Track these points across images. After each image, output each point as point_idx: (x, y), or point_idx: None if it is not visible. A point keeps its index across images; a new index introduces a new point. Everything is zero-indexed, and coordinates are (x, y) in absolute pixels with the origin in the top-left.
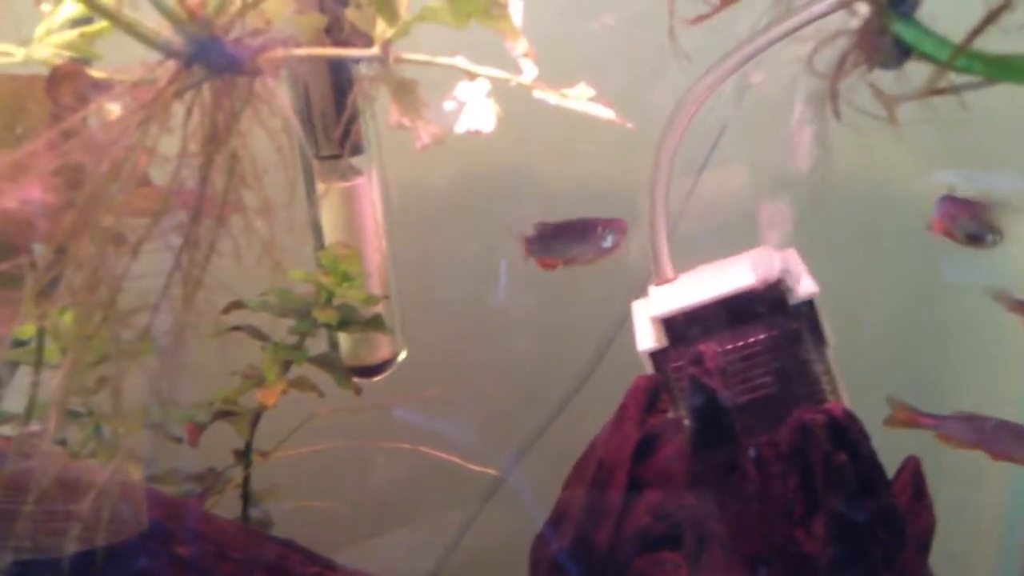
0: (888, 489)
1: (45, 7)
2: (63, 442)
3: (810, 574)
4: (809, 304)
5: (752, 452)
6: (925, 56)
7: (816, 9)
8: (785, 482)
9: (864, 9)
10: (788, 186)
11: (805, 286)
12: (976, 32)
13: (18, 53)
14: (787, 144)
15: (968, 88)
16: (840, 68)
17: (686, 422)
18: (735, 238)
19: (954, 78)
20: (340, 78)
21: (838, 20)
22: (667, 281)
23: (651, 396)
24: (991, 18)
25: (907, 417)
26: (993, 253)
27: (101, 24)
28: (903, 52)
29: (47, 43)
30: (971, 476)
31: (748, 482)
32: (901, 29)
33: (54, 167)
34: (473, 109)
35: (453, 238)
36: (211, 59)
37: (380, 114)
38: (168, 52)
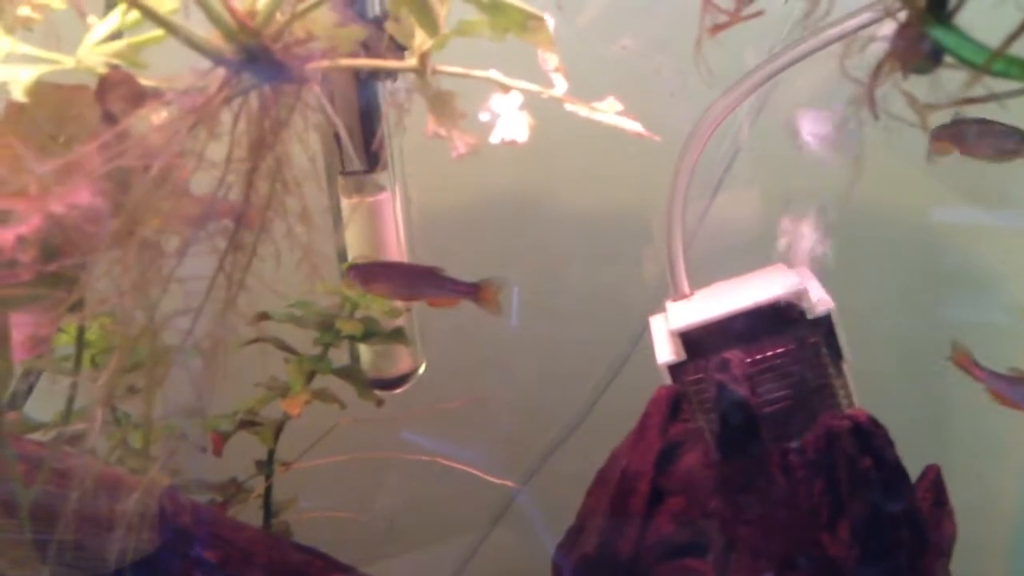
0: (912, 494)
1: (91, 19)
2: (92, 450)
3: None
4: (826, 318)
5: (780, 456)
6: (963, 61)
7: (828, 34)
8: (811, 486)
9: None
10: (800, 208)
11: (822, 301)
12: (1014, 36)
13: (68, 61)
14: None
15: (1003, 97)
16: (877, 72)
17: (707, 433)
18: (748, 257)
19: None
20: (367, 94)
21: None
22: (684, 297)
23: (673, 405)
24: None
25: (964, 363)
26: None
27: (149, 34)
28: (936, 57)
29: (95, 52)
30: (989, 471)
31: (775, 486)
32: (940, 34)
33: (103, 172)
34: (507, 120)
35: (469, 257)
36: (260, 67)
37: (405, 131)
38: (219, 60)
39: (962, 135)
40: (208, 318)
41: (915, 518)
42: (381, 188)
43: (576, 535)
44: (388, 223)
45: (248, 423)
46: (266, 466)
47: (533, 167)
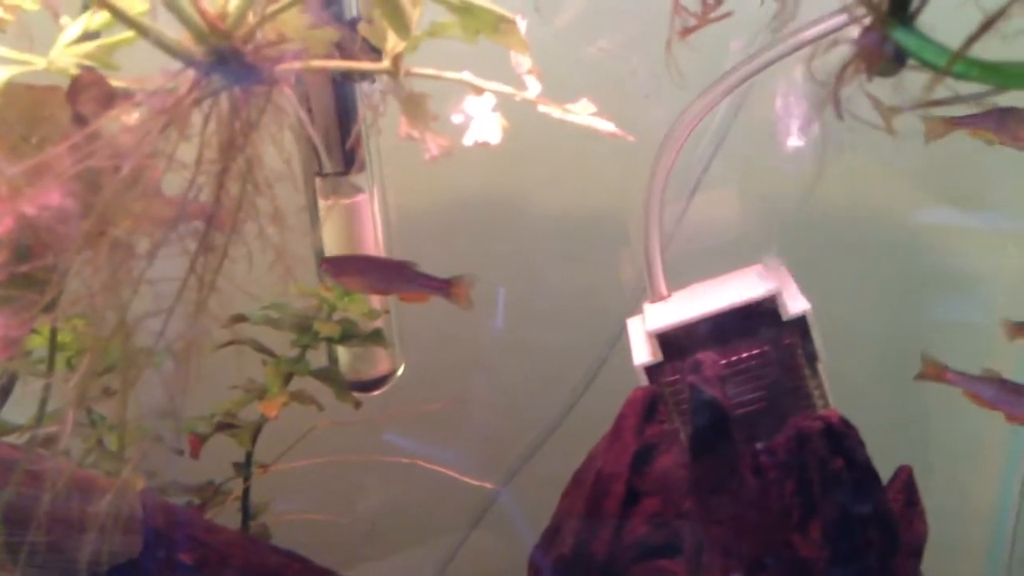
0: (883, 495)
1: (64, 20)
2: (66, 452)
3: None
4: (802, 320)
5: (751, 457)
6: (924, 63)
7: (803, 36)
8: (782, 487)
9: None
10: (777, 210)
11: (798, 302)
12: (974, 38)
13: (39, 62)
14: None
15: (968, 99)
16: (841, 75)
17: (683, 434)
18: (726, 259)
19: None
20: (344, 96)
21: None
22: (661, 298)
23: (649, 407)
24: (988, 25)
25: (935, 372)
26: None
27: (120, 35)
28: (900, 60)
29: (67, 53)
30: (964, 472)
31: (746, 487)
32: (902, 37)
33: (74, 173)
34: (480, 122)
35: (447, 259)
36: (230, 69)
37: (381, 132)
38: (189, 62)
39: (1003, 122)
40: (181, 320)
41: (886, 519)
42: (358, 190)
43: (552, 536)
44: (366, 225)
45: (225, 425)
46: (244, 468)
47: (513, 169)
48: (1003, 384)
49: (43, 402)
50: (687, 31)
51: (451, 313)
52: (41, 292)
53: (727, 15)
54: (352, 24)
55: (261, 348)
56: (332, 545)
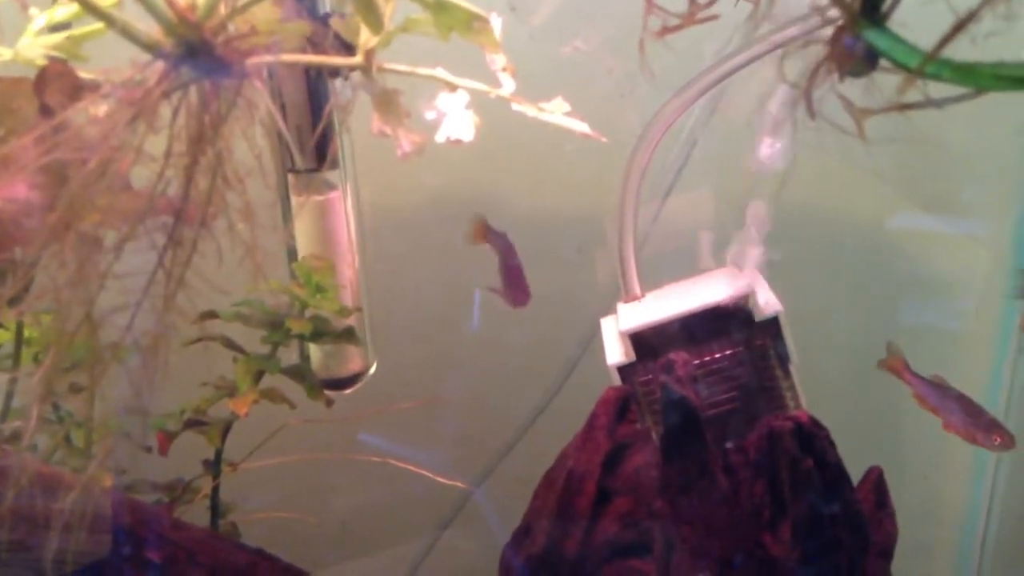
0: (853, 495)
1: (33, 11)
2: (33, 448)
3: None
4: (774, 321)
5: (722, 456)
6: (896, 64)
7: (777, 36)
8: (753, 487)
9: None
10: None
11: (770, 304)
12: (946, 40)
13: (6, 53)
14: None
15: (942, 103)
16: (814, 75)
17: (655, 434)
18: (699, 260)
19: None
20: (317, 92)
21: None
22: (635, 298)
23: (621, 406)
24: (960, 26)
25: (896, 366)
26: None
27: (89, 27)
28: (871, 61)
29: (35, 44)
30: (935, 473)
31: (717, 487)
32: (873, 37)
33: (40, 165)
34: (453, 119)
35: (421, 257)
36: (200, 61)
37: (355, 130)
38: (158, 53)
39: None
40: (149, 315)
41: (855, 519)
42: (331, 186)
43: (523, 535)
44: (339, 222)
45: (195, 422)
46: (213, 466)
47: (488, 168)
48: (947, 392)
49: (8, 397)
50: (668, 30)
51: (423, 311)
52: (6, 285)
53: (713, 17)
54: (324, 19)
55: (232, 345)
56: (303, 544)
